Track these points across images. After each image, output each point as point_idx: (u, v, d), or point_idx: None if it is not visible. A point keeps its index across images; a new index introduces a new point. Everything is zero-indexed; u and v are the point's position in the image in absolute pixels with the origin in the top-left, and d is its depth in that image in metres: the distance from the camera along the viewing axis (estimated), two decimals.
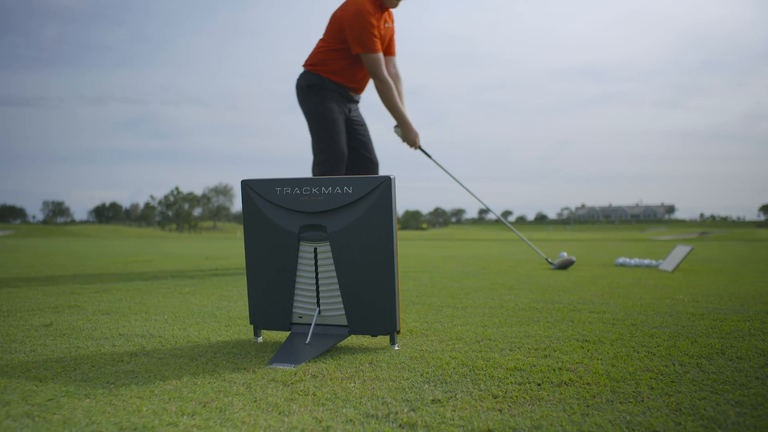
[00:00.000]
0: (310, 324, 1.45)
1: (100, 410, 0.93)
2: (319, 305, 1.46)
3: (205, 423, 0.88)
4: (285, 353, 1.32)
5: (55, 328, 1.66)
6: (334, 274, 1.43)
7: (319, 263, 1.44)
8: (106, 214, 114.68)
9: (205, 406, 0.96)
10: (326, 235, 1.42)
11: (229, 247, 9.44)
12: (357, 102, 3.96)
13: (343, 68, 3.73)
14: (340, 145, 3.66)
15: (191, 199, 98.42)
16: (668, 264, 3.71)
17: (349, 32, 3.64)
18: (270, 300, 1.49)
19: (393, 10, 3.89)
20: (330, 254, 1.43)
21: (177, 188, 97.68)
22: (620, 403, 0.98)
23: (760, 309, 2.02)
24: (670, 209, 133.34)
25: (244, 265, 4.19)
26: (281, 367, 1.23)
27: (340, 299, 1.44)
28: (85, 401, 0.98)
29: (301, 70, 3.80)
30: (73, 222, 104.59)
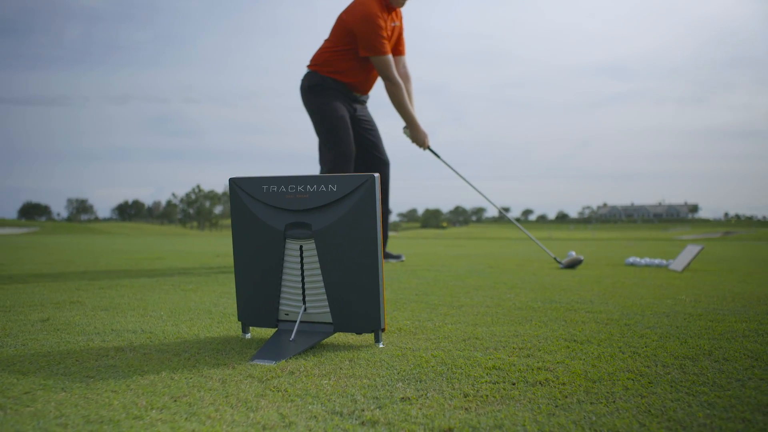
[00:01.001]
0: (296, 321, 1.46)
1: (72, 403, 0.95)
2: (304, 303, 1.47)
3: (171, 417, 0.89)
4: (268, 350, 1.33)
5: (51, 323, 1.69)
6: (320, 271, 1.44)
7: (304, 261, 1.45)
8: (129, 211, 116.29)
9: (176, 400, 0.98)
10: (311, 233, 1.43)
11: None
12: (363, 102, 3.97)
13: (348, 69, 3.74)
14: (348, 142, 3.69)
15: (212, 196, 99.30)
16: (678, 264, 3.66)
17: (358, 36, 3.65)
18: (257, 297, 1.50)
19: (402, 8, 3.89)
20: (315, 252, 1.44)
21: (198, 186, 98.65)
22: (591, 403, 0.97)
23: (761, 310, 1.99)
24: (694, 208, 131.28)
25: None
26: (262, 363, 1.24)
27: (325, 297, 1.45)
28: (61, 394, 1.00)
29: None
30: (96, 219, 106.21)
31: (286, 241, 1.45)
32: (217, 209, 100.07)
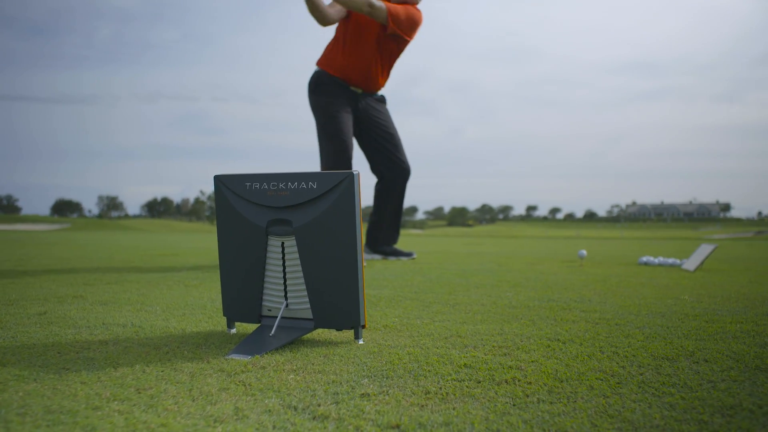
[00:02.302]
0: (277, 317, 1.48)
1: (39, 394, 0.98)
2: (286, 298, 1.48)
3: (130, 408, 0.91)
4: (246, 345, 1.35)
5: (46, 316, 1.73)
6: (301, 268, 1.45)
7: (286, 257, 1.47)
8: (158, 208, 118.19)
9: (140, 392, 1.00)
10: (292, 230, 1.44)
11: None
12: (370, 100, 3.91)
13: (338, 59, 3.73)
14: (341, 138, 3.64)
15: None
16: (691, 263, 3.59)
17: None
18: (241, 293, 1.52)
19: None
20: (296, 248, 1.45)
21: None
22: (551, 403, 0.97)
23: (761, 311, 1.94)
24: (726, 207, 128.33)
25: None
26: (237, 357, 1.25)
27: (306, 293, 1.46)
28: (31, 385, 1.03)
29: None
30: (126, 216, 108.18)
31: (268, 237, 1.47)
32: None
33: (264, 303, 1.51)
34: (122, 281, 2.76)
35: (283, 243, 1.46)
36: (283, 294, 1.48)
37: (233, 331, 1.55)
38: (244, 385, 1.05)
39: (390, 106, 4.06)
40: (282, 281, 1.48)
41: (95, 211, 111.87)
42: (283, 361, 1.23)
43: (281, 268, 1.47)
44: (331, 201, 1.40)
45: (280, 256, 1.47)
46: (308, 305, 1.46)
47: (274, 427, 0.85)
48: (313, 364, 1.21)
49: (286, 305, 1.48)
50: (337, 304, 1.43)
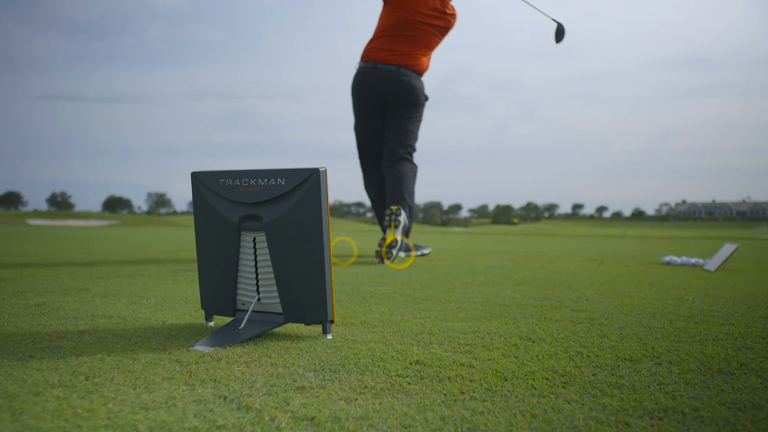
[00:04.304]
0: (248, 311, 1.51)
1: None
2: (258, 293, 1.51)
3: (68, 394, 0.95)
4: (213, 337, 1.38)
5: (42, 307, 1.81)
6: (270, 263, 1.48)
7: (257, 252, 1.49)
8: None
9: (87, 379, 1.04)
10: (262, 225, 1.47)
11: None
12: (391, 73, 4.09)
13: (372, 38, 4.16)
14: (358, 137, 3.95)
15: None
16: (712, 263, 3.47)
17: None
18: (217, 287, 1.55)
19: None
20: (266, 244, 1.48)
21: None
22: (481, 401, 0.96)
23: (762, 313, 1.87)
24: None
25: None
26: (199, 349, 1.29)
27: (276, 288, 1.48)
28: None
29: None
30: (174, 213, 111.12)
31: (241, 233, 1.50)
32: None
33: (238, 297, 1.54)
34: (134, 275, 2.85)
35: (254, 238, 1.49)
36: (255, 288, 1.51)
37: (211, 324, 1.59)
38: (189, 375, 1.08)
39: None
40: (254, 276, 1.51)
41: (144, 207, 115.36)
42: (241, 354, 1.26)
43: (253, 263, 1.50)
44: (298, 197, 1.42)
45: (252, 251, 1.50)
46: (278, 300, 1.49)
47: (194, 415, 0.87)
48: (269, 357, 1.24)
49: (258, 299, 1.51)
50: (306, 299, 1.45)
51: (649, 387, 1.05)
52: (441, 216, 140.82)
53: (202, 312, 1.78)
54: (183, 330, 1.51)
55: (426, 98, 4.17)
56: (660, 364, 1.21)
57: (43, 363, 1.15)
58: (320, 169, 1.41)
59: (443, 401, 0.95)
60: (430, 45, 4.11)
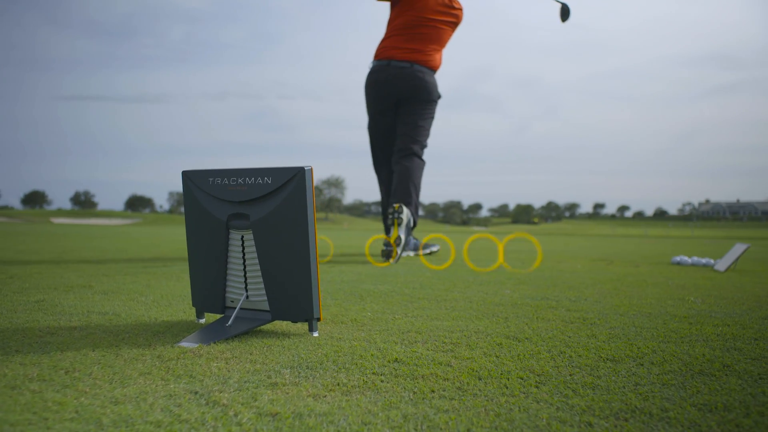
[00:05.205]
0: (236, 308, 1.53)
1: None
2: (246, 291, 1.52)
3: (44, 388, 0.97)
4: (200, 334, 1.40)
5: (41, 304, 1.85)
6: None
7: (245, 250, 1.51)
8: None
9: (67, 374, 1.06)
10: (250, 224, 1.48)
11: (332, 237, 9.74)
12: (405, 69, 4.13)
13: (384, 38, 4.24)
14: (371, 136, 4.04)
15: None
16: (722, 263, 3.42)
17: None
18: (207, 284, 1.57)
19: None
20: (254, 242, 1.49)
21: None
22: (449, 399, 0.96)
23: (761, 314, 1.84)
24: None
25: None
26: (184, 345, 1.30)
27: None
28: None
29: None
30: None
31: (229, 231, 1.51)
32: None
33: (227, 294, 1.55)
34: (139, 272, 2.89)
35: (242, 236, 1.50)
36: (243, 286, 1.53)
37: (202, 321, 1.61)
38: (166, 371, 1.09)
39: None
40: (243, 274, 1.52)
41: (166, 206, 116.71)
42: (223, 350, 1.27)
43: (242, 261, 1.52)
44: (284, 196, 1.43)
45: (241, 249, 1.51)
46: (266, 297, 1.50)
47: (161, 409, 0.88)
48: (250, 353, 1.25)
49: (246, 297, 1.52)
50: (292, 297, 1.46)
51: (623, 388, 1.04)
52: (461, 215, 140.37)
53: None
54: (172, 327, 1.53)
55: (439, 96, 4.18)
56: (642, 364, 1.20)
57: (27, 357, 1.17)
58: (306, 168, 1.42)
59: (410, 399, 0.96)
60: (442, 40, 4.13)
